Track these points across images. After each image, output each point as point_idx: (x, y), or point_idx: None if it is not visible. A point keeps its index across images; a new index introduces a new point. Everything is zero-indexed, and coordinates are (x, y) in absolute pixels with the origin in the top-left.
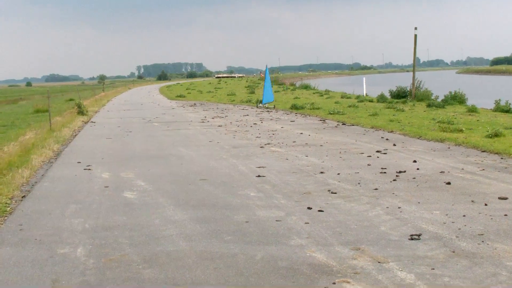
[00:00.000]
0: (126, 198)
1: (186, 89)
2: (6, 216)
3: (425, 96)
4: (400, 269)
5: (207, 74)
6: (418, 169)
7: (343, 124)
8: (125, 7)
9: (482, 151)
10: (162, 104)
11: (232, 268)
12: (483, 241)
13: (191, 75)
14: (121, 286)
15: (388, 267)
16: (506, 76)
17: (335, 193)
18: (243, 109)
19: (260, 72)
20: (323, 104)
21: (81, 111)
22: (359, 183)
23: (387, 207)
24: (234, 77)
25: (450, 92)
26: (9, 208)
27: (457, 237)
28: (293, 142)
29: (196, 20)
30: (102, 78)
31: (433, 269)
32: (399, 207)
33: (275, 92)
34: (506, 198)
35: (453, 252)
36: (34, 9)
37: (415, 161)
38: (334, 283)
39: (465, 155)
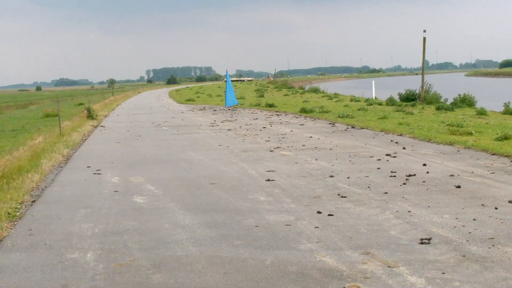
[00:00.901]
0: (135, 202)
1: (196, 93)
2: (16, 221)
3: (434, 99)
4: (411, 274)
5: (216, 78)
6: (427, 172)
7: (352, 127)
8: (134, 11)
9: (491, 154)
10: (172, 108)
11: (241, 273)
12: (493, 245)
13: (200, 79)
14: None
15: (398, 272)
16: None
17: (345, 197)
18: (252, 112)
19: (269, 76)
20: (332, 107)
21: (90, 116)
22: (368, 187)
23: (397, 211)
24: (243, 80)
25: (459, 95)
26: (19, 213)
27: (467, 241)
28: (303, 145)
29: (205, 23)
30: (111, 82)
31: (444, 273)
32: (409, 211)
33: (284, 95)
34: None
35: (464, 256)
36: (44, 13)
37: (424, 165)
38: None
39: (475, 158)
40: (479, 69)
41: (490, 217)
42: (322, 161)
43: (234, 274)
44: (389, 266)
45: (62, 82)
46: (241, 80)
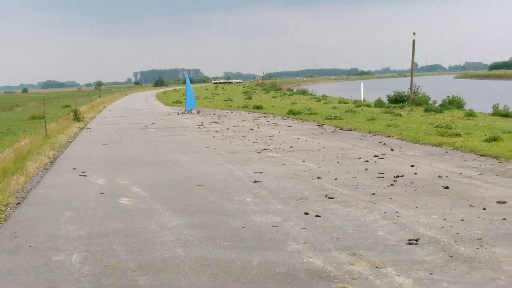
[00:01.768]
0: (121, 204)
1: (183, 95)
2: (1, 223)
3: (423, 100)
4: (398, 274)
5: (204, 80)
6: (415, 173)
7: (341, 129)
8: (122, 14)
9: (480, 155)
10: (159, 110)
11: (228, 274)
12: (481, 246)
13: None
14: None
15: (386, 272)
16: (504, 81)
17: (332, 198)
18: (240, 114)
19: (258, 78)
20: (321, 109)
21: (77, 118)
22: (356, 188)
23: (385, 212)
24: (231, 83)
25: (448, 97)
26: (3, 215)
27: (455, 241)
28: (290, 147)
29: (194, 25)
30: (98, 84)
31: (431, 274)
32: (396, 212)
33: (272, 97)
34: (504, 202)
35: (452, 256)
36: (31, 15)
37: (412, 166)
38: None
39: (463, 160)
40: (469, 71)
41: (478, 217)
42: (309, 163)
43: (221, 275)
44: (376, 267)
45: (49, 84)
46: (229, 82)
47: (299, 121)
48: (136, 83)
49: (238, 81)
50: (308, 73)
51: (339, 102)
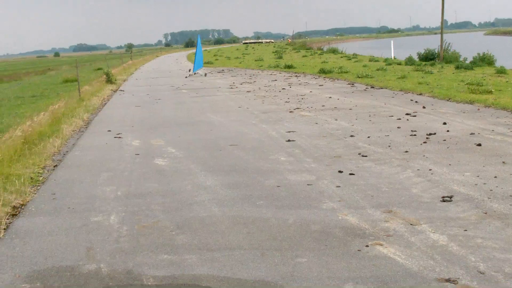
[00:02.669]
0: (157, 165)
1: (214, 55)
2: (39, 185)
3: (454, 58)
4: (433, 231)
5: (234, 40)
6: (448, 131)
7: (372, 87)
8: None
9: None
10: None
11: (264, 232)
12: None
13: (218, 42)
14: (155, 253)
15: (421, 229)
16: None
17: (366, 156)
18: (271, 74)
19: (288, 37)
20: (351, 67)
21: (109, 80)
22: (389, 146)
23: (418, 170)
24: (262, 42)
25: (479, 54)
26: (41, 178)
27: (488, 198)
28: (322, 106)
29: None
30: (129, 46)
31: (466, 230)
32: (430, 169)
33: (303, 56)
34: None
35: (485, 213)
36: None
37: (445, 123)
38: (367, 246)
39: (495, 117)
40: (499, 28)
41: (511, 174)
42: (342, 121)
43: (257, 234)
44: (411, 224)
45: (80, 48)
46: (259, 42)
47: (330, 80)
48: (167, 45)
49: (268, 40)
50: (338, 31)
51: (370, 61)
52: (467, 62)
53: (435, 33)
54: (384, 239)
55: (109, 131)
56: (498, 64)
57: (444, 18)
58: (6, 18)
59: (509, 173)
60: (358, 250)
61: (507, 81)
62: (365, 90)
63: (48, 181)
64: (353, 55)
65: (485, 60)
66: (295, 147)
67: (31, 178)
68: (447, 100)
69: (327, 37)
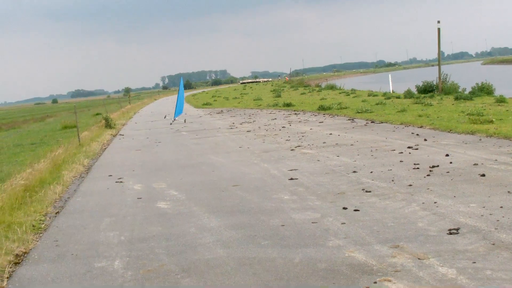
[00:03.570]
0: (160, 208)
1: (212, 96)
2: (41, 232)
3: (452, 89)
4: (441, 265)
5: (232, 80)
6: (451, 163)
7: (372, 122)
8: (147, 20)
9: None
10: (189, 113)
11: (271, 272)
12: None
13: (216, 83)
14: None
15: (429, 263)
16: None
17: (370, 191)
18: (270, 113)
19: (285, 75)
20: (350, 103)
21: (108, 125)
22: (392, 180)
23: (423, 203)
24: (259, 82)
25: (477, 84)
26: (43, 225)
27: (496, 229)
28: (323, 143)
29: (218, 27)
30: (127, 90)
31: (474, 262)
32: (435, 202)
33: (301, 94)
34: None
35: (493, 244)
36: (57, 27)
37: (447, 155)
38: (375, 282)
39: (498, 146)
40: (495, 57)
41: None
42: (344, 157)
43: (264, 274)
44: (419, 258)
45: (78, 94)
46: (257, 82)
47: (330, 116)
48: (164, 87)
49: (266, 80)
50: (334, 67)
51: (368, 95)
52: (466, 92)
53: (432, 65)
54: (392, 274)
55: (110, 175)
56: (497, 93)
57: (441, 49)
58: (2, 66)
59: None
60: (367, 287)
61: (507, 110)
62: (365, 125)
63: (51, 228)
64: (352, 90)
65: (484, 90)
66: (298, 185)
67: (33, 225)
68: (448, 132)
69: (324, 73)
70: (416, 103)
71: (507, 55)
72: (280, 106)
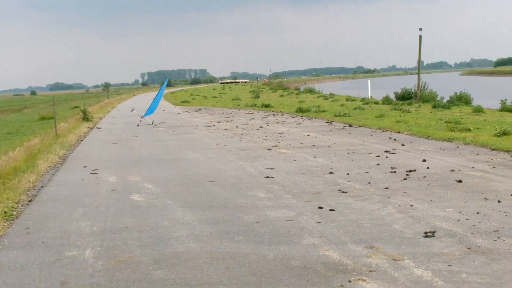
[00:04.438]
0: (134, 201)
1: (191, 95)
2: (12, 220)
3: (431, 97)
4: (417, 267)
5: (211, 80)
6: (428, 168)
7: (350, 125)
8: (128, 14)
9: (491, 150)
10: (167, 109)
11: (244, 268)
12: (499, 237)
13: (195, 81)
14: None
15: (404, 265)
16: (510, 77)
17: (346, 192)
18: (248, 113)
19: (264, 77)
20: (329, 107)
21: (86, 117)
22: (369, 183)
23: (399, 206)
24: (238, 82)
25: (455, 93)
26: (15, 212)
27: (472, 233)
28: (301, 144)
29: (200, 25)
30: (106, 85)
31: (450, 265)
32: (411, 205)
33: (279, 96)
34: None
35: (469, 248)
36: (37, 17)
37: (424, 160)
38: (349, 281)
39: (475, 154)
40: (474, 68)
41: (493, 210)
42: (320, 158)
43: (237, 269)
44: (394, 260)
45: (57, 87)
46: (236, 82)
47: (308, 118)
48: (144, 84)
49: (245, 80)
50: (314, 71)
51: (347, 100)
52: (444, 101)
53: (411, 74)
54: (367, 274)
55: (85, 167)
56: (475, 103)
57: (421, 58)
58: None
59: (491, 209)
60: (341, 286)
61: (484, 120)
62: (343, 128)
63: (22, 216)
64: (330, 94)
65: (462, 100)
66: (274, 183)
67: (5, 212)
68: (426, 138)
69: (303, 77)
70: (394, 109)
71: (486, 66)
72: (258, 107)
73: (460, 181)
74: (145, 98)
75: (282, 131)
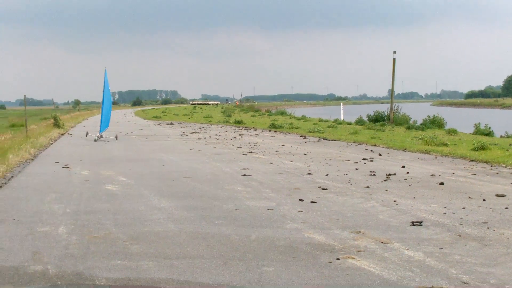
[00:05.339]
0: (108, 189)
1: (162, 112)
2: None
3: (404, 120)
4: (407, 249)
5: (182, 101)
6: (408, 173)
7: (325, 139)
8: (100, 33)
9: (470, 161)
10: (139, 123)
11: (226, 245)
12: (488, 228)
13: (166, 102)
14: (108, 258)
15: (393, 247)
16: (480, 109)
17: (326, 189)
18: (221, 127)
19: (235, 100)
20: (302, 125)
21: (57, 124)
22: (349, 182)
23: (382, 201)
24: (209, 104)
25: (429, 116)
26: None
27: (460, 224)
28: (276, 151)
29: (172, 47)
30: (76, 103)
31: (441, 248)
32: (394, 201)
33: (251, 116)
34: (504, 195)
35: (459, 236)
36: (6, 31)
37: (403, 167)
38: (338, 259)
39: (454, 163)
40: (445, 99)
41: (479, 206)
42: (297, 163)
43: (218, 246)
44: (382, 242)
45: (26, 102)
46: (207, 104)
47: (282, 133)
48: (114, 103)
49: (215, 102)
50: (285, 97)
51: (320, 121)
52: (417, 124)
53: (382, 103)
54: (355, 254)
55: (57, 162)
56: (448, 127)
57: (394, 82)
58: None
59: (477, 205)
60: (329, 262)
61: (460, 139)
62: (318, 141)
63: None
64: (302, 116)
65: (435, 123)
66: (251, 180)
67: None
68: (403, 150)
69: (274, 102)
70: (368, 129)
71: (456, 98)
72: (231, 123)
73: (442, 183)
74: (116, 113)
75: (256, 141)
